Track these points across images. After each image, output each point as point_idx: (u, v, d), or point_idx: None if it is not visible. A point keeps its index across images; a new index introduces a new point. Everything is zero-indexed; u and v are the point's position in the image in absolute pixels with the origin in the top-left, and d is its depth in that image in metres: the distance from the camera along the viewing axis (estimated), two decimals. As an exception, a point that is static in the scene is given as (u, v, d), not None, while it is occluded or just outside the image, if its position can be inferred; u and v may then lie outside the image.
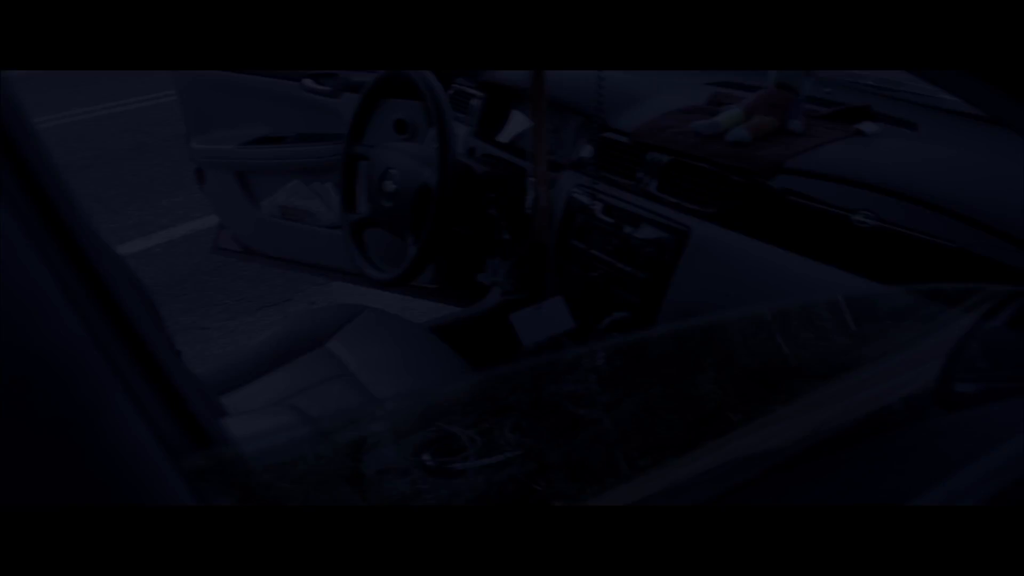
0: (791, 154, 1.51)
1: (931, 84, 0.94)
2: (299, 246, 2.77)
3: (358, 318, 1.94)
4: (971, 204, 1.28)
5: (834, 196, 1.41)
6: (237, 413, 1.49)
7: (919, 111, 1.67)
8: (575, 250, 1.82)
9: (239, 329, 3.19)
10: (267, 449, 0.75)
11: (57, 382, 0.39)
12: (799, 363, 1.07)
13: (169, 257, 3.84)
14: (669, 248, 1.59)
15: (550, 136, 2.03)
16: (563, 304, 1.71)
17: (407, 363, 1.82)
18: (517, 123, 2.17)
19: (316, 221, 2.71)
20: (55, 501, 0.39)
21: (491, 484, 0.86)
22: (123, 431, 0.41)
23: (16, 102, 0.42)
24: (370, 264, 2.03)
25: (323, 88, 2.62)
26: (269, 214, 2.77)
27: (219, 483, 0.48)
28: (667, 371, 1.09)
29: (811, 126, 1.62)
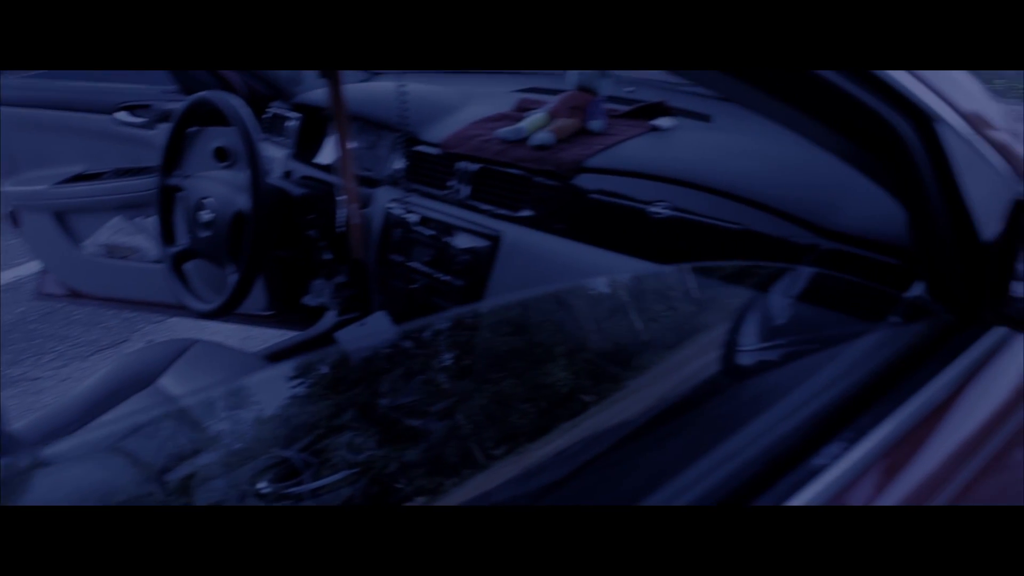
0: (591, 153, 1.56)
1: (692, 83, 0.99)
2: (129, 284, 2.68)
3: (188, 352, 1.90)
4: (755, 188, 1.35)
5: (632, 190, 1.46)
6: (62, 462, 1.44)
7: (713, 103, 1.75)
8: (395, 264, 1.83)
9: (73, 376, 3.06)
10: (102, 496, 0.73)
11: None
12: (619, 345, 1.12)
13: (-8, 308, 3.65)
14: (483, 254, 1.62)
15: (365, 153, 2.03)
16: (386, 319, 1.70)
17: (240, 394, 1.79)
18: (337, 143, 2.16)
19: (143, 257, 2.63)
20: None
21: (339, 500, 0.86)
22: None
23: None
24: (193, 296, 1.98)
25: (137, 120, 2.55)
26: (93, 254, 2.67)
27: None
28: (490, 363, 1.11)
29: (611, 125, 1.67)
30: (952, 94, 0.94)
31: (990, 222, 0.98)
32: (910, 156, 0.93)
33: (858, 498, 0.81)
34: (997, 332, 1.02)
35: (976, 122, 0.98)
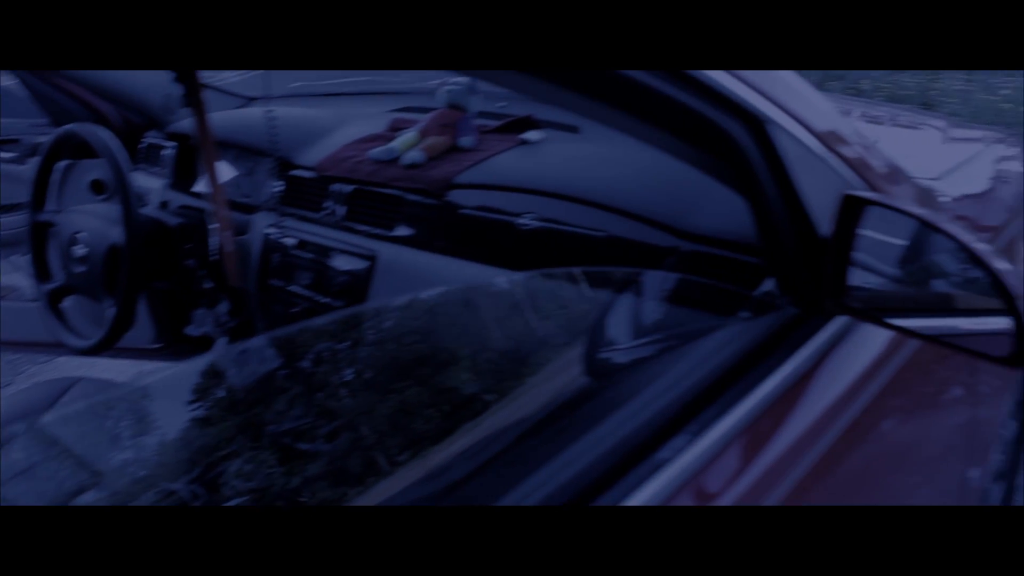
0: (461, 169, 1.58)
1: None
2: (8, 325, 2.60)
3: (71, 391, 1.86)
4: (618, 195, 1.39)
5: (502, 203, 1.49)
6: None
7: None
8: (275, 289, 1.83)
9: (-46, 424, 2.94)
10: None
11: None
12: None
13: None
14: (360, 275, 1.63)
15: (243, 179, 2.02)
16: (268, 344, 1.70)
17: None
18: (219, 172, 2.14)
19: (21, 296, 2.56)
20: None
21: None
22: None
23: None
24: (71, 333, 1.94)
25: (6, 155, 2.48)
26: (-33, 296, 2.59)
27: None
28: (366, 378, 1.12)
29: (481, 141, 1.70)
30: (781, 96, 0.99)
31: (827, 218, 1.04)
32: (745, 158, 0.98)
33: (707, 484, 0.85)
34: (839, 321, 1.08)
35: (827, 139, 1.04)
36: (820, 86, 4.95)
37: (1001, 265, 0.94)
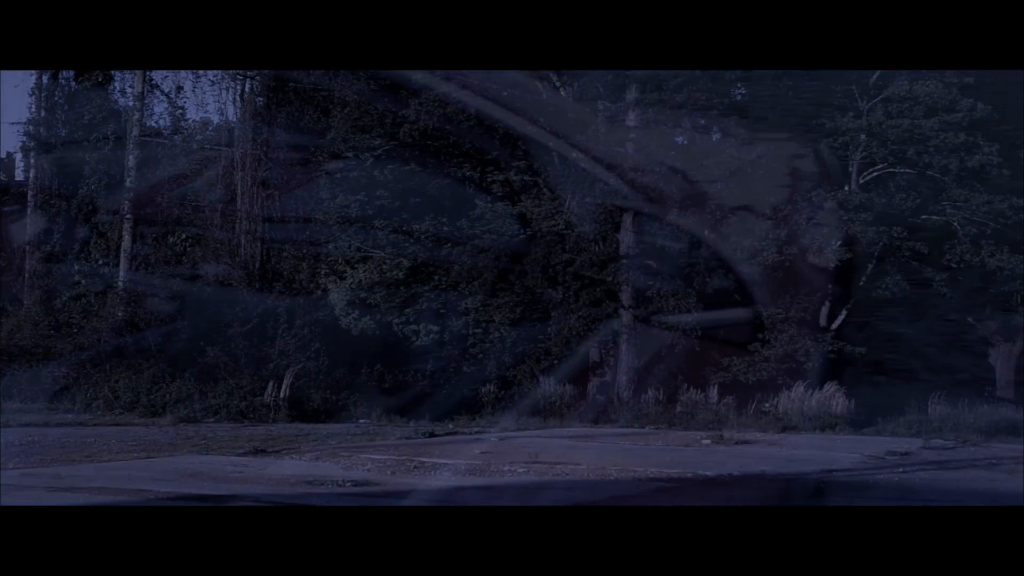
0: (270, 203, 1.61)
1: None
2: None
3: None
4: (418, 221, 1.45)
5: (310, 234, 1.53)
6: None
7: None
8: (88, 336, 1.81)
9: None
10: None
11: None
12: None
13: None
14: (169, 317, 1.63)
15: (55, 227, 1.98)
16: (81, 397, 1.69)
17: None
18: (29, 223, 2.10)
19: None
20: None
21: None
22: None
23: None
24: None
25: None
26: None
27: None
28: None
29: (289, 174, 1.73)
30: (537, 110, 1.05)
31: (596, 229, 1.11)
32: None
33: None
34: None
35: (593, 152, 1.11)
36: (640, 100, 5.13)
37: (744, 266, 1.03)
